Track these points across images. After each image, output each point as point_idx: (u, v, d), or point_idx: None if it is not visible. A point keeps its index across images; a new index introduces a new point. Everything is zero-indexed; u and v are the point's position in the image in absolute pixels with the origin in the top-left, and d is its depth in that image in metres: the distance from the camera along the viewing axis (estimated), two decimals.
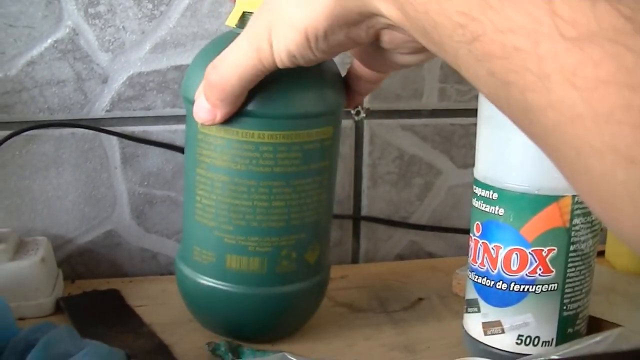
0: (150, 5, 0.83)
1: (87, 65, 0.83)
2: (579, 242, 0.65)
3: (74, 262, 0.88)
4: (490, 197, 0.66)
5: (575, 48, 0.28)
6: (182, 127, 0.85)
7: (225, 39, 0.61)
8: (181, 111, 0.85)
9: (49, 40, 0.82)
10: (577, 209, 0.64)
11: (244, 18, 0.65)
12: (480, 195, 0.67)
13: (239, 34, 0.55)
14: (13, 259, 0.77)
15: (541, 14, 0.29)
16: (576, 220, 0.65)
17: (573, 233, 0.65)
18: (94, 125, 0.85)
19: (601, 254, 0.91)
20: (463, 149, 0.93)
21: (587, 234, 0.66)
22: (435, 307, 0.82)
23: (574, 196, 0.63)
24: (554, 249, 0.65)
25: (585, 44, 0.27)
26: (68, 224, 0.88)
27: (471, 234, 0.69)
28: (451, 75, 0.90)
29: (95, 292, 0.83)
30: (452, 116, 0.92)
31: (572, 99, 0.28)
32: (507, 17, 0.30)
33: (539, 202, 0.64)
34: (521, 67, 0.30)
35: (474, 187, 0.68)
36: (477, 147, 0.68)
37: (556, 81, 0.29)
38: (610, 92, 0.27)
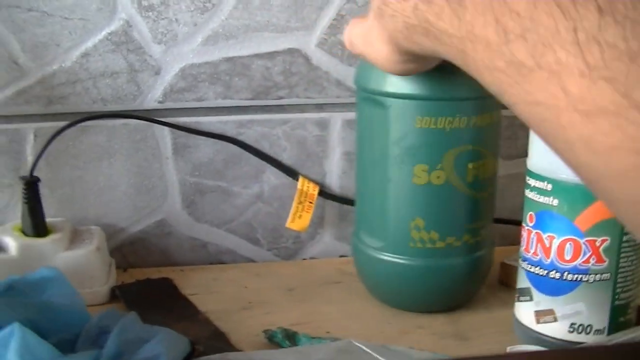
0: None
1: (140, 57, 0.85)
2: (629, 245, 0.66)
3: (126, 251, 0.90)
4: (545, 187, 0.67)
5: (588, 120, 0.32)
6: (232, 118, 0.87)
7: None
8: (232, 102, 0.87)
9: (103, 33, 0.84)
10: None
11: None
12: (534, 186, 0.68)
13: None
14: (69, 248, 0.79)
15: (557, 91, 0.33)
16: None
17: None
18: (147, 116, 0.86)
19: None
20: (508, 140, 0.94)
21: None
22: (484, 297, 0.82)
23: None
24: (607, 239, 0.66)
25: (595, 117, 0.31)
26: (120, 214, 0.89)
27: (524, 224, 0.70)
28: None
29: (148, 280, 0.85)
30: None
31: (594, 162, 0.33)
32: (529, 92, 0.35)
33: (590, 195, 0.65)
34: (551, 135, 0.35)
35: (527, 178, 0.69)
36: (530, 139, 0.69)
37: (579, 147, 0.33)
38: (622, 156, 0.31)
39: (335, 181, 0.92)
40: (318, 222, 0.93)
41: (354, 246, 0.82)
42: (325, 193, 0.91)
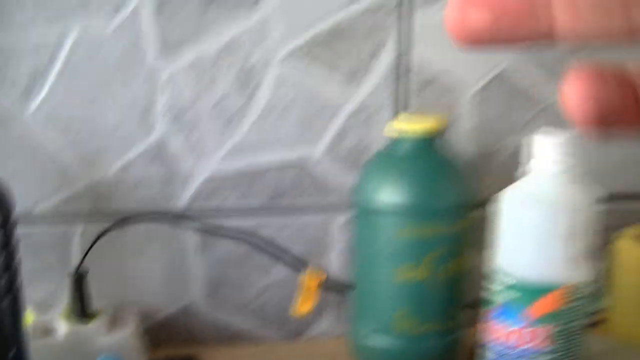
0: (224, 119, 0.99)
1: (172, 168, 1.00)
2: (573, 320, 0.80)
3: (157, 331, 1.04)
4: (504, 283, 0.81)
5: None
6: (249, 219, 1.02)
7: (386, 151, 0.91)
8: (249, 205, 1.02)
9: (142, 147, 0.99)
10: (572, 295, 0.79)
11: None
12: (498, 279, 0.82)
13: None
14: (109, 332, 0.93)
15: None
16: (572, 305, 0.79)
17: (568, 313, 0.79)
18: (177, 217, 1.01)
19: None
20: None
21: (579, 314, 0.81)
22: None
23: (569, 286, 0.78)
24: (552, 326, 0.79)
25: None
26: (153, 300, 1.04)
27: (487, 314, 0.84)
28: None
29: (176, 357, 0.98)
30: None
31: None
32: None
33: (543, 289, 0.79)
34: None
35: (489, 274, 0.83)
36: (498, 244, 0.83)
37: None
38: None
39: (336, 273, 1.07)
40: (321, 308, 1.07)
41: (348, 330, 0.97)
42: (327, 283, 1.05)
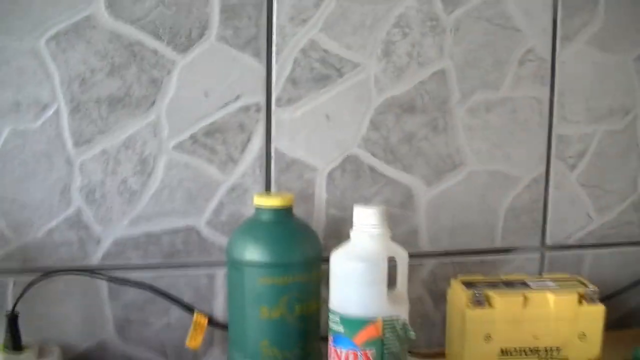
0: (128, 194, 1.24)
1: (86, 232, 1.24)
2: (390, 345, 1.04)
3: None
4: (336, 319, 1.05)
5: None
6: (149, 273, 1.25)
7: (251, 219, 1.17)
8: (149, 261, 1.26)
9: (62, 216, 1.23)
10: (387, 326, 1.03)
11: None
12: (331, 318, 1.06)
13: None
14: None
15: None
16: (387, 334, 1.04)
17: (385, 340, 1.03)
18: (91, 271, 1.25)
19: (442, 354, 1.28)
20: None
21: (395, 341, 1.05)
22: None
23: (383, 319, 1.04)
24: (373, 350, 1.03)
25: None
26: (72, 338, 1.26)
27: (329, 343, 1.07)
28: None
29: None
30: None
31: None
32: None
33: (364, 322, 1.03)
34: None
35: (329, 314, 1.07)
36: (330, 290, 1.07)
37: None
38: None
39: (220, 314, 1.30)
40: (209, 342, 1.31)
41: (228, 358, 1.21)
42: (212, 322, 1.29)
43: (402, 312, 1.06)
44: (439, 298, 1.35)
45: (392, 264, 1.05)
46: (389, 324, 1.04)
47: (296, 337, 1.15)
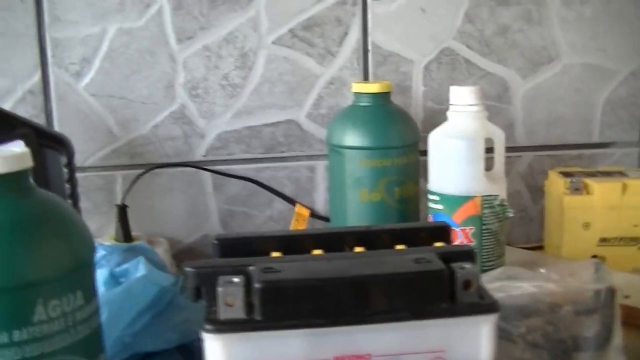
0: (230, 89, 1.29)
1: (190, 127, 1.29)
2: (488, 223, 1.07)
3: (182, 255, 1.31)
4: (435, 198, 1.08)
5: None
6: (251, 165, 1.30)
7: (351, 105, 1.19)
8: (251, 155, 1.31)
9: (167, 112, 1.29)
10: (485, 204, 1.05)
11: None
12: (429, 198, 1.09)
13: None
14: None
15: None
16: (485, 211, 1.07)
17: (483, 218, 1.06)
18: (195, 165, 1.30)
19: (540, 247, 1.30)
20: None
21: (493, 219, 1.07)
22: None
23: (482, 196, 1.06)
24: (473, 228, 1.05)
25: None
26: (177, 231, 1.32)
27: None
28: None
29: None
30: None
31: None
32: None
33: (463, 199, 1.06)
34: None
35: (427, 194, 1.11)
36: (429, 171, 1.10)
37: None
38: None
39: (320, 206, 1.35)
40: None
41: None
42: (314, 214, 1.33)
43: (500, 191, 1.07)
44: (537, 192, 1.36)
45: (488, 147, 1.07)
46: (487, 201, 1.05)
47: (396, 219, 1.17)
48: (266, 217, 1.33)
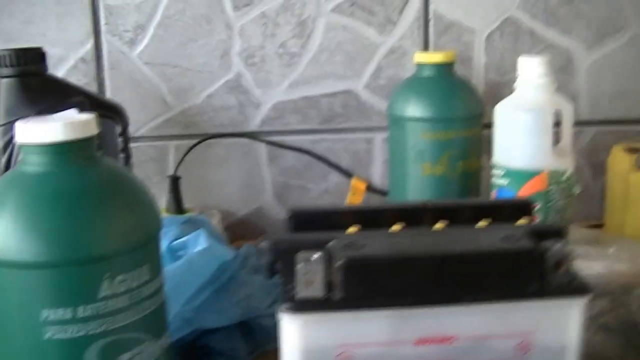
0: (287, 57, 1.26)
1: (246, 97, 1.27)
2: (555, 199, 1.04)
3: (235, 228, 1.28)
4: (500, 173, 1.05)
5: None
6: (308, 137, 1.27)
7: (413, 76, 1.15)
8: (307, 127, 1.28)
9: (222, 81, 1.26)
10: (552, 179, 1.03)
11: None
12: (495, 172, 1.06)
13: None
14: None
15: None
16: (552, 187, 1.04)
17: (550, 195, 1.03)
18: (250, 135, 1.28)
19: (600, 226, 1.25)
20: None
21: (560, 195, 1.04)
22: None
23: (549, 171, 1.03)
24: (539, 203, 1.01)
25: None
26: (231, 202, 1.30)
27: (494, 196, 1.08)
28: None
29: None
30: None
31: None
32: None
33: (529, 174, 1.03)
34: None
35: (492, 168, 1.08)
36: (494, 144, 1.07)
37: None
38: None
39: (377, 179, 1.32)
40: None
41: None
42: (370, 187, 1.30)
43: (568, 166, 1.04)
44: (598, 169, 1.32)
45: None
46: (555, 176, 1.02)
47: (458, 194, 1.13)
48: (322, 190, 1.30)
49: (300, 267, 0.54)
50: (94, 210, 0.58)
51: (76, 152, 0.60)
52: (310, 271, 0.54)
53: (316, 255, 0.54)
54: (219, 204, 1.29)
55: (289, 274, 0.55)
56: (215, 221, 1.18)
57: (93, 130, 0.61)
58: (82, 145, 0.60)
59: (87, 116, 0.62)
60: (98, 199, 0.59)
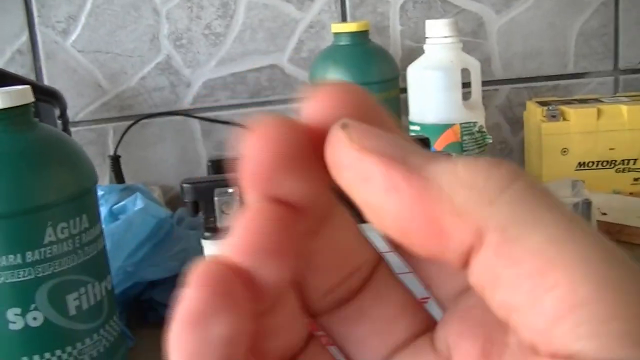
0: (213, 37, 1.33)
1: (177, 77, 1.34)
2: (468, 150, 1.12)
3: (175, 202, 1.33)
4: (416, 129, 1.13)
5: None
6: (239, 111, 1.35)
7: (331, 46, 1.22)
8: (236, 101, 1.35)
9: (153, 63, 1.33)
10: (464, 131, 1.11)
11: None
12: (412, 129, 1.15)
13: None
14: None
15: None
16: (465, 138, 1.12)
17: (464, 145, 1.11)
18: (183, 113, 1.35)
19: None
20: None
21: (473, 145, 1.13)
22: None
23: (461, 124, 1.11)
24: (453, 154, 1.11)
25: None
26: (169, 178, 1.37)
27: None
28: None
29: None
30: None
31: None
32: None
33: (442, 127, 1.11)
34: None
35: (409, 126, 1.16)
36: (409, 103, 1.16)
37: None
38: None
39: None
40: None
41: None
42: None
43: (478, 118, 1.12)
44: (516, 124, 1.41)
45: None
46: (467, 128, 1.10)
47: None
48: None
49: (217, 200, 0.61)
50: (35, 166, 0.66)
51: (15, 117, 0.67)
52: (227, 203, 0.61)
53: (231, 189, 0.61)
54: (158, 180, 1.35)
55: (210, 209, 0.63)
56: (156, 196, 1.25)
57: (29, 98, 0.68)
58: (20, 112, 0.67)
59: (23, 87, 0.69)
60: (38, 156, 0.67)
